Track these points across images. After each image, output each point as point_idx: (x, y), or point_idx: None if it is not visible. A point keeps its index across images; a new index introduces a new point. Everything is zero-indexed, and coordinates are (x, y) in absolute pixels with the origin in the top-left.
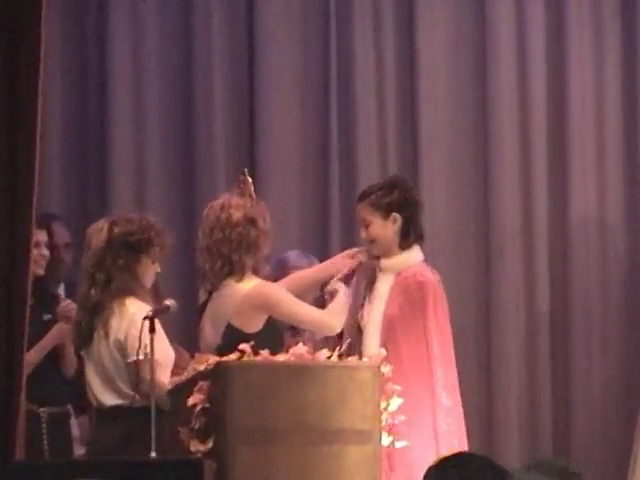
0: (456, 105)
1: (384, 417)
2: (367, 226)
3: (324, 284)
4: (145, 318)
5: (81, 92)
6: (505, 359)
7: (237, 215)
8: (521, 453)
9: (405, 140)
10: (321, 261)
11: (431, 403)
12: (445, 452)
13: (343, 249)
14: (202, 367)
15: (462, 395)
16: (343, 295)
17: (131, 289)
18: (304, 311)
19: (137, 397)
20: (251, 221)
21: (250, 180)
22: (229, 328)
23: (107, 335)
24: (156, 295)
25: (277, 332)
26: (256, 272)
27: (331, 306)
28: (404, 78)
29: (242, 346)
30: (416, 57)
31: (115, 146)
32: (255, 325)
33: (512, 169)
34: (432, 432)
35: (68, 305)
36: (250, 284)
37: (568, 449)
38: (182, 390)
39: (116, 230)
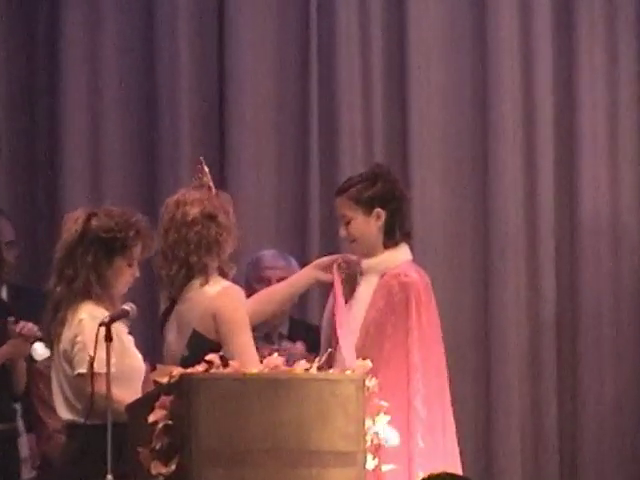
0: (452, 88)
1: (369, 437)
2: (347, 223)
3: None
4: (101, 325)
5: (29, 69)
6: (506, 372)
7: (193, 212)
8: (523, 476)
9: (393, 127)
10: (299, 262)
11: (405, 420)
12: (421, 471)
13: (323, 248)
14: (164, 380)
15: (457, 411)
16: None
17: (90, 292)
18: (248, 355)
19: (88, 413)
20: (210, 217)
21: (207, 169)
22: (195, 336)
23: (58, 342)
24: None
25: None
26: (223, 274)
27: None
28: (393, 56)
29: (210, 356)
30: (407, 31)
31: (67, 132)
32: (215, 331)
33: (514, 160)
34: (405, 452)
35: (25, 327)
36: (214, 288)
37: (576, 470)
38: (142, 406)
39: (93, 223)
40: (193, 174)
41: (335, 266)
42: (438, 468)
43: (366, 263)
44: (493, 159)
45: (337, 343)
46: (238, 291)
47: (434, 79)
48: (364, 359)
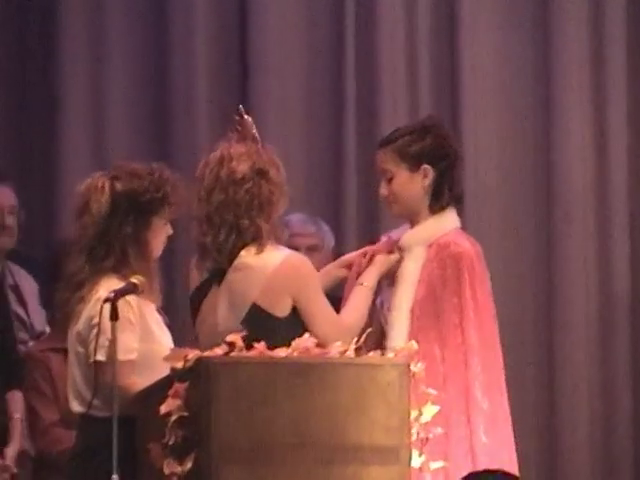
0: (507, 28)
1: (415, 430)
2: (389, 180)
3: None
4: (105, 301)
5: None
6: (572, 358)
7: (242, 168)
8: (592, 472)
9: (442, 74)
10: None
11: (465, 410)
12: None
13: (360, 213)
14: (178, 365)
15: (513, 402)
16: (366, 289)
17: (124, 267)
18: (324, 316)
19: (95, 403)
20: (261, 173)
21: (249, 119)
22: (255, 311)
23: (75, 323)
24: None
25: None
26: (277, 239)
27: (352, 304)
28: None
29: (231, 337)
30: None
31: (68, 83)
32: (285, 307)
33: (582, 110)
34: (464, 448)
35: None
36: (278, 255)
37: None
38: (153, 395)
39: (120, 188)
40: (231, 125)
41: (365, 260)
42: (505, 465)
43: (409, 236)
44: (557, 107)
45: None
46: (304, 258)
47: (485, 19)
48: (418, 341)
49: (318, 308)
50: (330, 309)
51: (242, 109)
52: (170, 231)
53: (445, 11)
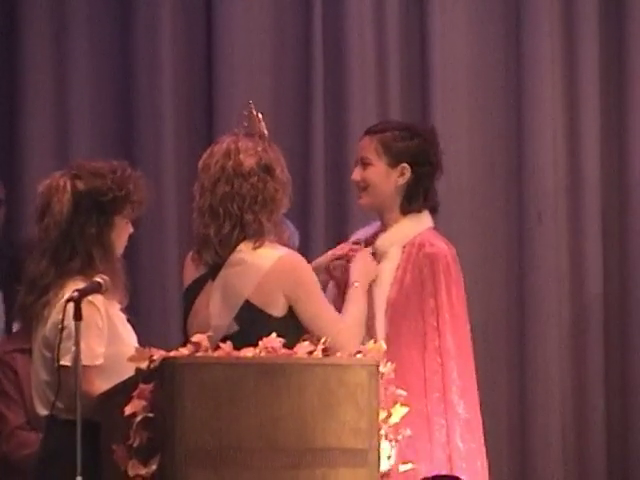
0: (479, 21)
1: (384, 432)
2: (365, 166)
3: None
4: (69, 301)
5: None
6: (545, 359)
7: (249, 162)
8: (565, 476)
9: (412, 75)
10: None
11: (444, 414)
12: (463, 476)
13: (329, 212)
14: (143, 365)
15: (487, 406)
16: (360, 288)
17: (88, 269)
18: (325, 316)
19: (59, 406)
20: (267, 169)
21: (260, 115)
22: (247, 307)
23: (40, 326)
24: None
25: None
26: (277, 238)
27: (350, 306)
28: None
29: (197, 337)
30: None
31: (30, 83)
32: (280, 306)
33: (554, 108)
34: (444, 452)
35: None
36: (274, 252)
37: (625, 475)
38: (117, 396)
39: (82, 187)
40: (239, 120)
41: (330, 267)
42: (478, 470)
43: (384, 238)
44: (528, 107)
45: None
46: (300, 258)
47: (456, 16)
48: (389, 344)
49: (318, 309)
50: (332, 310)
51: (252, 105)
52: (131, 230)
53: (415, 7)
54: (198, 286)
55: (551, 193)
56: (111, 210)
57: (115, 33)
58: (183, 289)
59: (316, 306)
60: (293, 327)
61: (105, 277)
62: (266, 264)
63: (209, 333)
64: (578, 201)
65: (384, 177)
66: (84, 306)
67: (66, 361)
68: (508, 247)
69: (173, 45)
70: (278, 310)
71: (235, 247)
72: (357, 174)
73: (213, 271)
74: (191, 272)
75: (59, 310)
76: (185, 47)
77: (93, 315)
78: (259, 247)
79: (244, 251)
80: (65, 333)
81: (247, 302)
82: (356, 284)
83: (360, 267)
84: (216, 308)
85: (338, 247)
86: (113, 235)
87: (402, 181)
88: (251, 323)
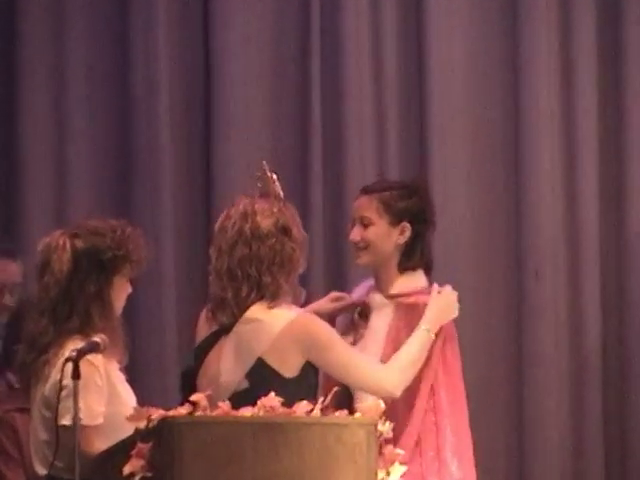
0: (476, 64)
1: None
2: (366, 226)
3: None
4: (67, 360)
5: None
6: (543, 418)
7: (266, 224)
8: None
9: (410, 128)
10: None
11: (437, 473)
12: None
13: (327, 233)
14: (142, 424)
15: (484, 461)
16: (424, 337)
17: (88, 328)
18: (357, 363)
19: (58, 465)
20: (285, 230)
21: (274, 176)
22: (260, 366)
23: (39, 385)
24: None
25: (315, 380)
26: (294, 300)
27: (399, 357)
28: (409, 39)
29: (196, 397)
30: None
31: (29, 143)
32: (293, 367)
33: (552, 164)
34: None
35: None
36: (289, 314)
37: None
38: (116, 455)
39: (81, 246)
40: (254, 181)
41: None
42: None
43: (379, 295)
44: (526, 163)
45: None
46: (313, 317)
47: (458, 65)
48: (385, 402)
49: (347, 359)
50: (362, 357)
51: (266, 165)
52: (130, 289)
53: (412, 12)
54: (211, 341)
55: (549, 248)
56: (110, 269)
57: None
58: (195, 345)
59: (344, 357)
60: (305, 388)
61: (104, 336)
62: (280, 323)
63: (208, 392)
64: (576, 255)
65: (386, 236)
66: (83, 365)
67: (66, 420)
68: (505, 303)
69: (170, 67)
70: (291, 371)
71: (250, 306)
72: (357, 234)
73: (227, 329)
74: (204, 329)
75: (58, 370)
76: (182, 65)
77: (92, 374)
78: (273, 307)
79: (258, 311)
80: (64, 393)
81: (260, 360)
82: (424, 327)
83: (436, 311)
84: (228, 364)
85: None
86: (112, 294)
87: (402, 239)
88: (262, 381)
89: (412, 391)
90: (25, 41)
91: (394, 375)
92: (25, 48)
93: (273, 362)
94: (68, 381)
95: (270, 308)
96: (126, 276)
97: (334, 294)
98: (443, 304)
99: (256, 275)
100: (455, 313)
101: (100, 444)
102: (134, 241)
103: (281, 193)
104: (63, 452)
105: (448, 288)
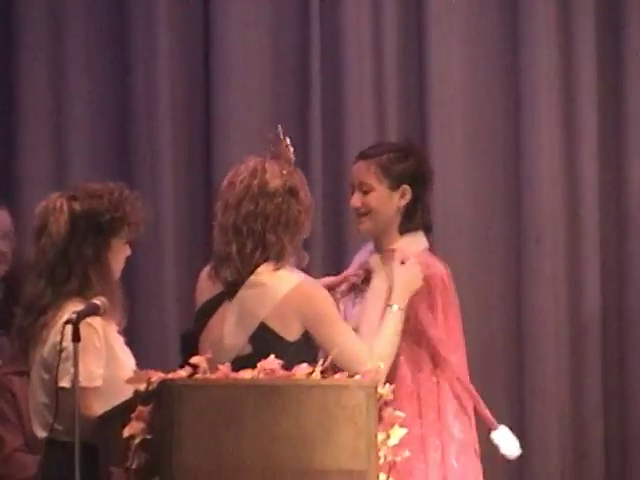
0: (476, 41)
1: (382, 453)
2: (366, 192)
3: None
4: (67, 322)
5: None
6: (543, 382)
7: (275, 182)
8: None
9: (409, 96)
10: None
11: (439, 435)
12: None
13: (327, 225)
14: (141, 387)
15: (485, 430)
16: (398, 312)
17: (87, 290)
18: (345, 346)
19: (58, 428)
20: (292, 192)
21: (288, 140)
22: (263, 330)
23: (38, 348)
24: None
25: (314, 345)
26: (297, 262)
27: (379, 343)
28: (409, 28)
29: (195, 359)
30: None
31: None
32: (295, 331)
33: (551, 132)
34: (440, 473)
35: None
36: (293, 278)
37: None
38: (115, 418)
39: (78, 208)
40: (268, 143)
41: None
42: None
43: (379, 256)
44: (525, 130)
45: None
46: (318, 285)
47: (456, 38)
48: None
49: (336, 335)
50: (352, 335)
51: (280, 129)
52: (129, 252)
53: (412, 24)
54: (214, 304)
55: (549, 214)
56: (108, 231)
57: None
58: (197, 305)
59: (335, 333)
60: (307, 351)
61: (103, 299)
62: (284, 288)
63: (208, 355)
64: (576, 221)
65: (387, 201)
66: (82, 328)
67: (65, 383)
68: (506, 266)
69: (170, 48)
70: (293, 335)
71: (256, 268)
72: (357, 200)
73: (230, 290)
74: (207, 289)
75: (57, 332)
76: (182, 53)
77: (91, 337)
78: (279, 269)
79: (263, 273)
80: (63, 355)
81: (263, 324)
82: (395, 307)
83: (402, 285)
84: (231, 328)
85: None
86: (110, 257)
87: (403, 202)
88: (265, 345)
89: (413, 353)
90: (24, 41)
91: (375, 362)
92: (23, 50)
93: (275, 326)
94: (67, 343)
95: (276, 269)
96: (124, 239)
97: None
98: (408, 276)
99: (260, 231)
100: (419, 283)
101: (99, 407)
102: (132, 203)
103: (293, 158)
104: (62, 415)
105: (411, 260)
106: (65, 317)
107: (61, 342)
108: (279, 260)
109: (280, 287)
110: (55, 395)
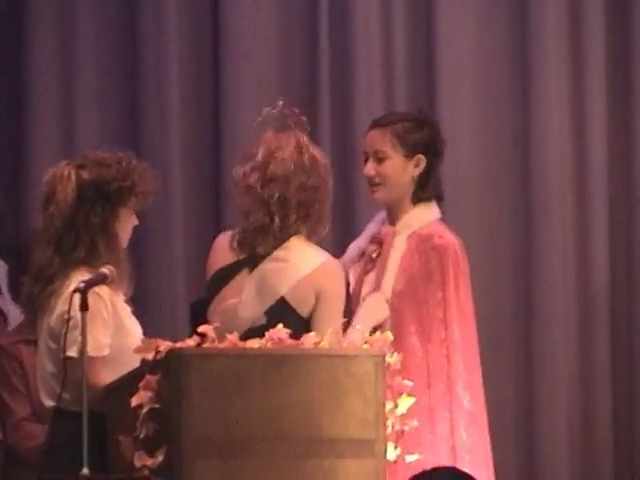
0: (487, 16)
1: (390, 422)
2: (381, 160)
3: None
4: (75, 291)
5: None
6: (551, 354)
7: (320, 156)
8: (572, 474)
9: (418, 61)
10: None
11: (448, 406)
12: (466, 468)
13: (337, 207)
14: (149, 356)
15: (493, 400)
16: (359, 332)
17: (94, 259)
18: (337, 327)
19: (65, 397)
20: (328, 168)
21: (305, 119)
22: (280, 304)
23: (45, 317)
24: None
25: None
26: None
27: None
28: (419, 2)
29: (203, 328)
30: None
31: (37, 73)
32: (310, 307)
33: (560, 101)
34: (448, 444)
35: None
36: (320, 257)
37: (633, 468)
38: (123, 387)
39: (86, 177)
40: (270, 119)
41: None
42: (482, 463)
43: (392, 228)
44: (535, 99)
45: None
46: (340, 267)
47: (465, 25)
48: (396, 334)
49: (332, 319)
50: (339, 328)
51: (282, 102)
52: (136, 221)
53: (421, 8)
54: (230, 272)
55: (557, 185)
56: (115, 200)
57: (122, 31)
58: (209, 273)
59: (331, 321)
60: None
61: (111, 268)
62: (308, 267)
63: (216, 324)
64: (585, 192)
65: (402, 170)
66: (90, 297)
67: (72, 352)
68: (515, 239)
69: (179, 34)
70: (307, 311)
71: (288, 238)
72: (371, 169)
73: (253, 262)
74: (225, 257)
75: (65, 301)
76: (192, 37)
77: (98, 306)
78: (308, 244)
79: (291, 248)
80: (71, 324)
81: (282, 299)
82: (358, 327)
83: (368, 312)
84: (248, 299)
85: (360, 241)
86: (117, 226)
87: (418, 172)
88: (280, 319)
89: (424, 325)
90: (34, 40)
91: None
92: (33, 52)
93: (293, 302)
94: (75, 312)
95: (305, 244)
96: (132, 208)
97: None
98: (370, 309)
99: (308, 203)
100: (386, 313)
101: (106, 376)
102: (140, 173)
103: (308, 128)
104: (70, 384)
105: (375, 295)
106: (73, 286)
107: (69, 311)
108: (313, 231)
109: (303, 266)
110: (63, 364)
